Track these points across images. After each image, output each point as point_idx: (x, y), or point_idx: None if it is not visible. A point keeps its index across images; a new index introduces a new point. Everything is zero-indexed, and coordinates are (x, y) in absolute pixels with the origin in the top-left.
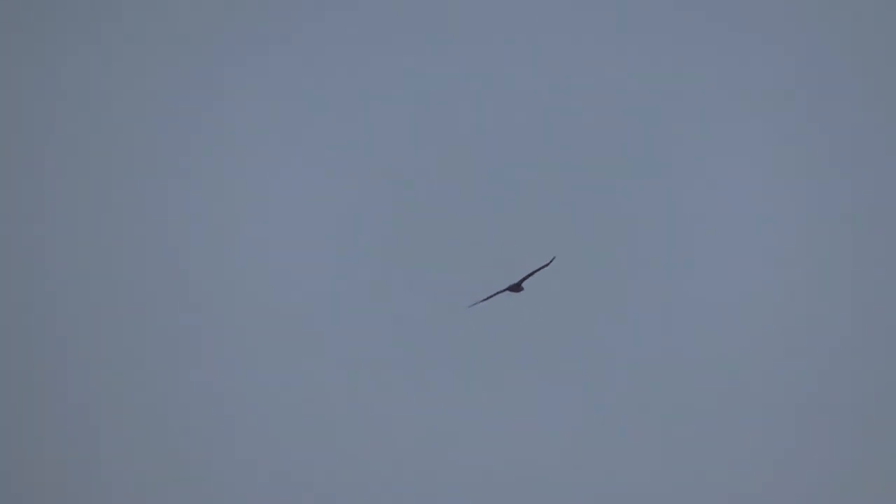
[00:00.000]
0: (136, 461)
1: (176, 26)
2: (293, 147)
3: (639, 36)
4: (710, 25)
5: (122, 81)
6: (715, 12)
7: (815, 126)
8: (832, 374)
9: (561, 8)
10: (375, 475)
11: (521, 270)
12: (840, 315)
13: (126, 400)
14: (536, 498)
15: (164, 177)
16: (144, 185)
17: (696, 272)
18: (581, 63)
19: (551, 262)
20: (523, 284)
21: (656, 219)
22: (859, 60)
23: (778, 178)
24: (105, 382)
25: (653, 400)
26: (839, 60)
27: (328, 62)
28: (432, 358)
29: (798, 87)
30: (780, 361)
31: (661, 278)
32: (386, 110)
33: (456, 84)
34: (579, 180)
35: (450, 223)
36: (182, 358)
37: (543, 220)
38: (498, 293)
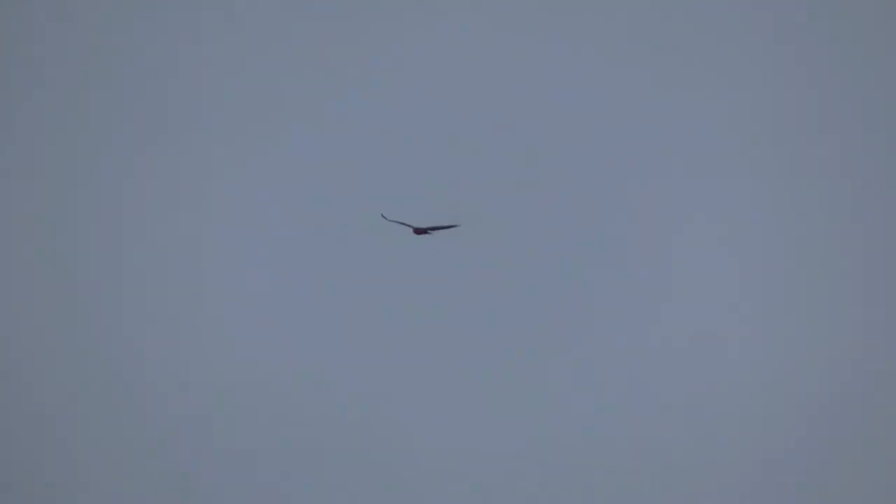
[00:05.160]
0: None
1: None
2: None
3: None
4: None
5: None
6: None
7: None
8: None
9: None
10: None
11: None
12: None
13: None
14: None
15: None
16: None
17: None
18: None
19: (454, 226)
20: (429, 231)
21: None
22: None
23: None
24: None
25: (640, 407)
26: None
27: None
28: (413, 354)
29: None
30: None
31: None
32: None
33: (438, 92)
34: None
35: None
36: (155, 354)
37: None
38: (402, 224)
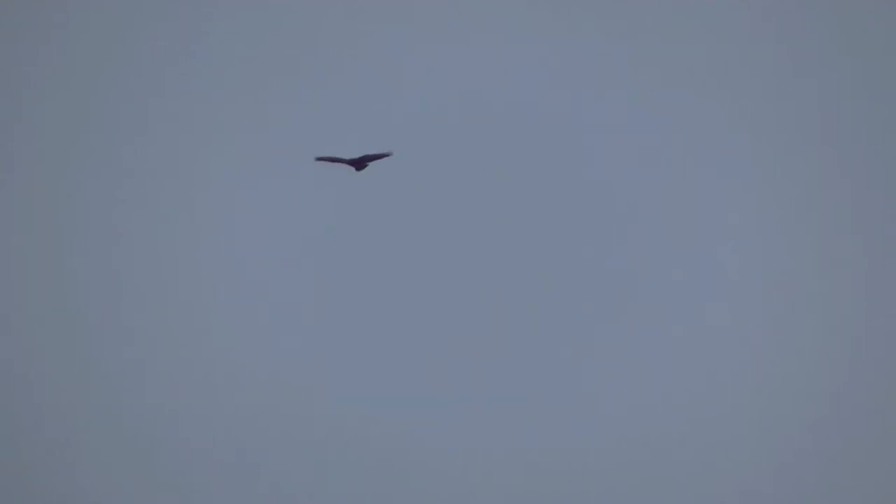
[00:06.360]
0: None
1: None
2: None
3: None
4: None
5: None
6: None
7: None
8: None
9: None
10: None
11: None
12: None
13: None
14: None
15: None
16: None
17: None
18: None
19: (389, 154)
20: (367, 164)
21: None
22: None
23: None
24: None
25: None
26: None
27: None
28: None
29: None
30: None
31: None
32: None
33: (437, 102)
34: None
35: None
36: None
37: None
38: (342, 161)
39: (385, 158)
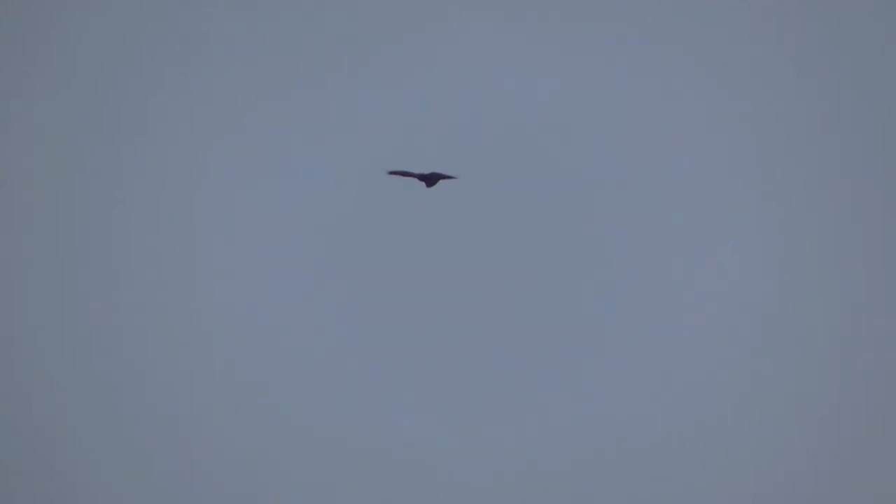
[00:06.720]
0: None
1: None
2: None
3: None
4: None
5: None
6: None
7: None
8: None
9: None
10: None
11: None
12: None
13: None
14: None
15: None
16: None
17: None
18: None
19: (455, 177)
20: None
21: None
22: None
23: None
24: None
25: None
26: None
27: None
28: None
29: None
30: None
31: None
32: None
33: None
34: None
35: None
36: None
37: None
38: (412, 175)
39: (451, 180)
